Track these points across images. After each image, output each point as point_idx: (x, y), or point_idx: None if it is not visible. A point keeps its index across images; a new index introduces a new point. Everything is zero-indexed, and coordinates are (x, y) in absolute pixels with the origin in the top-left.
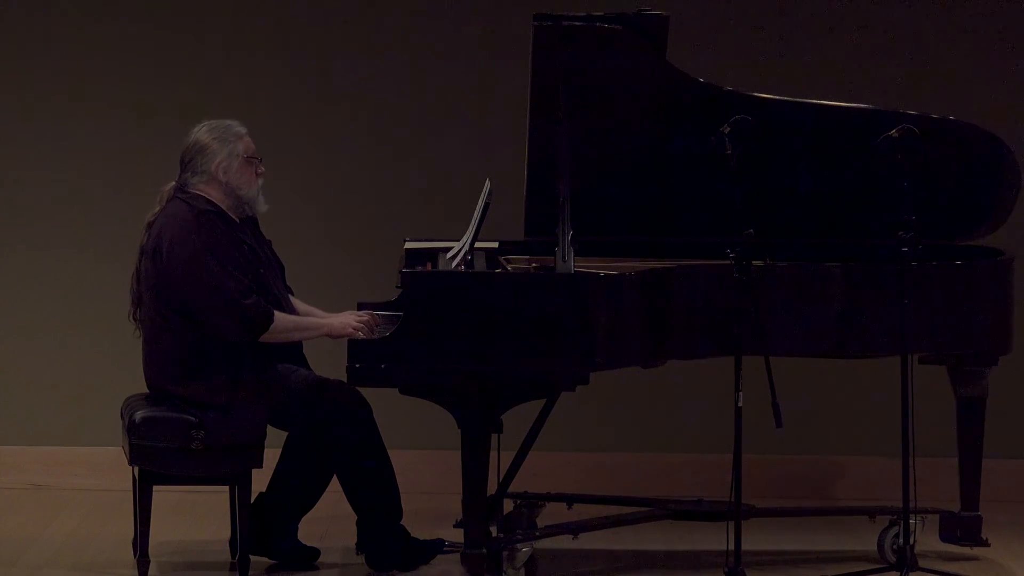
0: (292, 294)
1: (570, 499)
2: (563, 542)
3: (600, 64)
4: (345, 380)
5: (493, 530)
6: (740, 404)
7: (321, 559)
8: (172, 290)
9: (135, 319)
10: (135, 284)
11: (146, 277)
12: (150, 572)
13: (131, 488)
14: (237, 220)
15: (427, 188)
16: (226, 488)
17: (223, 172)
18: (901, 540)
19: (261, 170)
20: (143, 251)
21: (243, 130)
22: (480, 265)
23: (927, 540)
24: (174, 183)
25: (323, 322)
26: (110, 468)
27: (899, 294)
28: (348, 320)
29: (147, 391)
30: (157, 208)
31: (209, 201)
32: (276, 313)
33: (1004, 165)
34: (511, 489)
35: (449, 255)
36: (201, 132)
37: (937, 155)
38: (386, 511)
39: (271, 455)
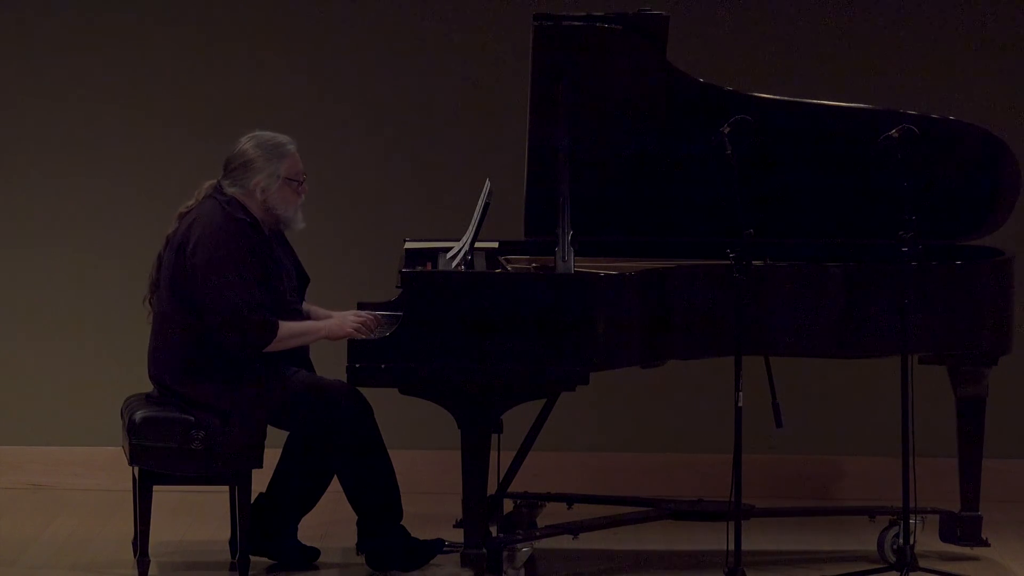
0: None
1: (570, 499)
2: (563, 542)
3: (600, 64)
4: (345, 380)
5: (493, 530)
6: (740, 404)
7: (321, 559)
8: (187, 287)
9: (149, 303)
10: (155, 270)
11: (167, 267)
12: (150, 572)
13: (131, 488)
14: (267, 232)
15: (427, 188)
16: (226, 488)
17: (261, 191)
18: (901, 540)
19: (303, 190)
20: (169, 240)
21: (292, 147)
22: (480, 265)
23: (927, 540)
24: (214, 181)
25: (321, 324)
26: (110, 468)
27: (899, 294)
28: (346, 321)
29: (148, 390)
30: (192, 202)
31: (245, 209)
32: (280, 324)
33: (1004, 165)
34: (511, 489)
35: (449, 255)
36: (249, 144)
37: (937, 155)
38: (386, 511)
39: (271, 455)
